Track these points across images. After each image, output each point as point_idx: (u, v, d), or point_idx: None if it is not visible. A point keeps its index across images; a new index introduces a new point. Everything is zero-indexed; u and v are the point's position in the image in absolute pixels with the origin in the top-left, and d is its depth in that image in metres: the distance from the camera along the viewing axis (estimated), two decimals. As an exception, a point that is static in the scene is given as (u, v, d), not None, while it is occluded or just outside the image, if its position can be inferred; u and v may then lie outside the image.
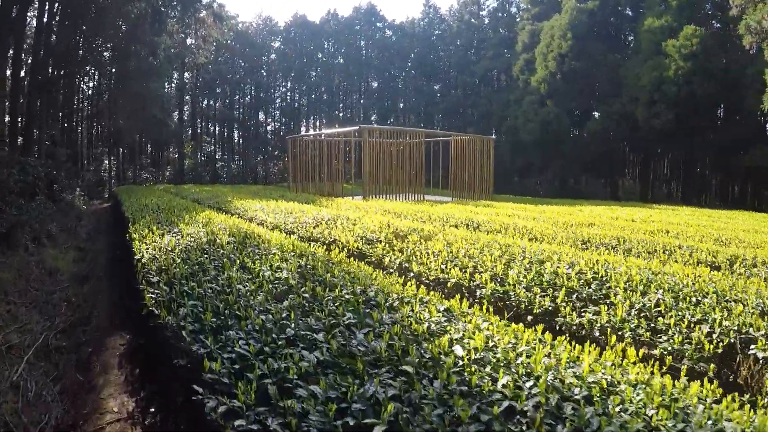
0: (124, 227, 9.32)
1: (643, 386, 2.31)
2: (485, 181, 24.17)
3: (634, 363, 2.59)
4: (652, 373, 2.47)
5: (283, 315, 3.08)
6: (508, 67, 49.20)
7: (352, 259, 5.34)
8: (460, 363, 2.44)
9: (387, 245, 6.68)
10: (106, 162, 40.35)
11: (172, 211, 9.37)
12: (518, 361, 2.48)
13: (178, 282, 3.85)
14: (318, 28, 55.12)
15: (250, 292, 3.60)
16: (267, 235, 6.39)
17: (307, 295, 3.54)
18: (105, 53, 26.83)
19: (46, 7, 20.19)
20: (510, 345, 2.72)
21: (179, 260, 4.55)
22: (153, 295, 3.64)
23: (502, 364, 2.45)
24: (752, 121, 33.82)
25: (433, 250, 6.09)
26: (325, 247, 6.33)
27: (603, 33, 40.21)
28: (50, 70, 20.30)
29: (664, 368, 2.84)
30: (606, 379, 2.32)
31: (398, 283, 4.13)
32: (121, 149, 42.46)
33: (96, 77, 37.39)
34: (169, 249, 5.22)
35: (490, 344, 2.74)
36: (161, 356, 3.18)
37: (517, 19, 50.89)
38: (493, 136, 26.60)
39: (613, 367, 2.51)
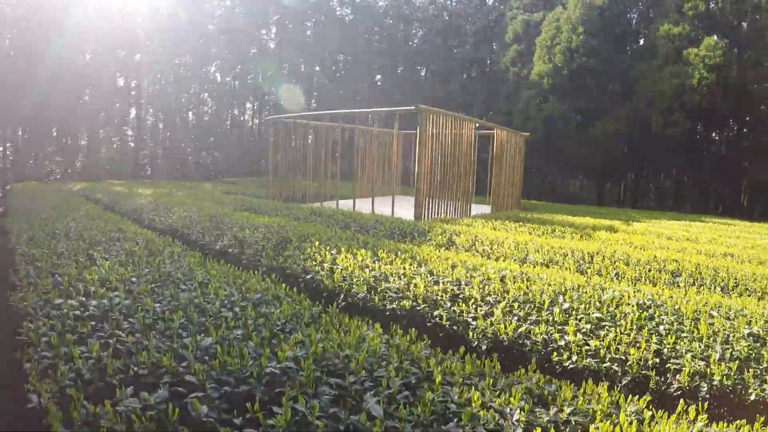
0: None
1: None
2: (518, 187, 19.84)
3: None
4: None
5: None
6: (485, 57, 45.06)
7: None
8: None
9: None
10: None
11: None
12: None
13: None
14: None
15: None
16: None
17: None
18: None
19: None
20: None
21: None
22: None
23: None
24: (763, 134, 31.34)
25: None
26: None
27: (611, 33, 36.17)
28: None
29: None
30: None
31: None
32: (20, 132, 32.79)
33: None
34: None
35: None
36: None
37: (495, 4, 46.03)
38: (527, 133, 20.93)
39: None
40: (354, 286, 4.38)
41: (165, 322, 2.71)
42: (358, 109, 20.66)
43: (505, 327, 3.67)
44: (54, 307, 3.08)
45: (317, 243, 5.65)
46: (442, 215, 13.79)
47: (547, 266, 6.62)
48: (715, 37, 30.63)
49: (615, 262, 6.68)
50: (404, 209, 13.96)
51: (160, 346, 2.40)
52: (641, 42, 37.87)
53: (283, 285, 4.18)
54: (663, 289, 4.92)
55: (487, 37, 44.46)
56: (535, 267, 6.11)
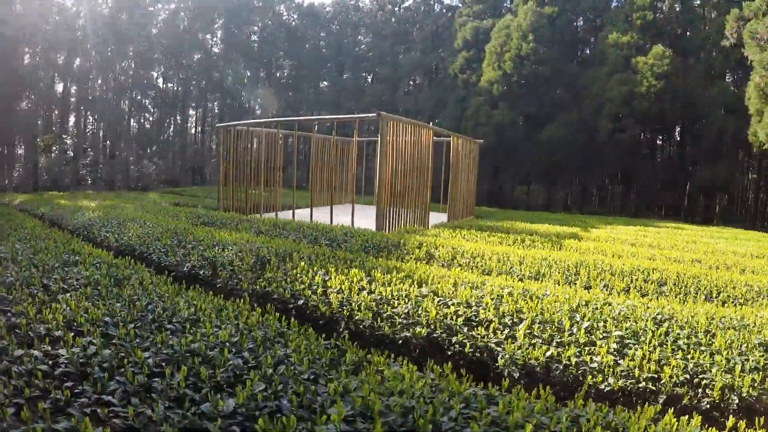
0: None
1: None
2: (473, 194, 19.75)
3: None
4: None
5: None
6: (433, 64, 45.31)
7: None
8: None
9: None
10: None
11: None
12: None
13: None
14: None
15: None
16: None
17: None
18: None
19: None
20: None
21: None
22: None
23: None
24: (705, 141, 32.54)
25: None
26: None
27: (561, 41, 36.90)
28: None
29: None
30: None
31: None
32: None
33: None
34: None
35: None
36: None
37: (443, 11, 46.30)
38: (481, 140, 21.03)
39: None
40: (357, 312, 3.93)
41: (165, 378, 2.19)
42: (312, 116, 20.10)
43: (536, 351, 3.34)
44: (14, 361, 2.50)
45: (303, 263, 5.15)
46: (402, 225, 13.38)
47: (536, 279, 6.38)
48: (661, 46, 31.63)
49: (600, 273, 6.51)
50: (363, 218, 13.46)
51: (169, 416, 1.89)
52: (589, 50, 38.61)
53: (277, 314, 3.70)
54: (667, 302, 4.74)
55: (435, 44, 44.53)
56: (523, 281, 5.85)
